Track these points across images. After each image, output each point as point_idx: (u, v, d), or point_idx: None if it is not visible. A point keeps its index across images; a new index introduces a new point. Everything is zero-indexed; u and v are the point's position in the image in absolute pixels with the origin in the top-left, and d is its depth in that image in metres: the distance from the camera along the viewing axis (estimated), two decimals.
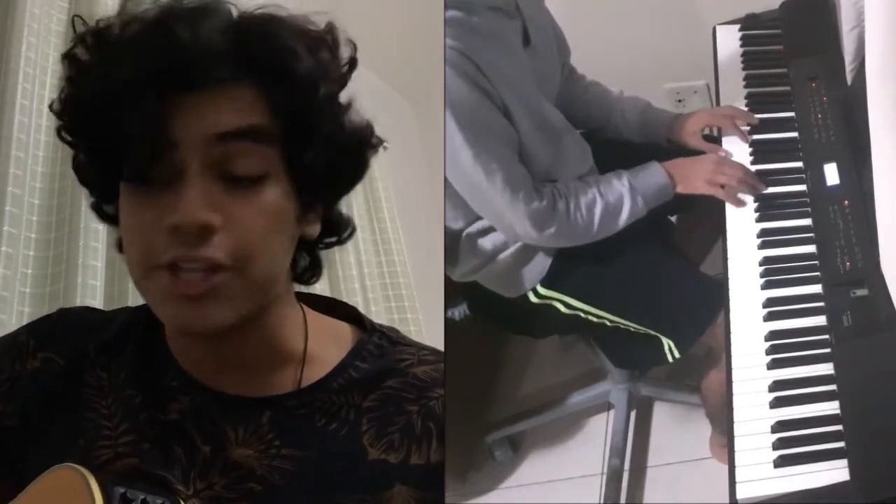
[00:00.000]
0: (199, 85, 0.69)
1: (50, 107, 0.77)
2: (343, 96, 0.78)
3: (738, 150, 1.28)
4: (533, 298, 1.34)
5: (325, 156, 0.75)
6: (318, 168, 0.74)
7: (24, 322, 1.25)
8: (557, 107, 1.34)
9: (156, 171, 0.69)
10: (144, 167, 0.69)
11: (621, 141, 1.43)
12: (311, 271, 0.84)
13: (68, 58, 0.74)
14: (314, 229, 0.79)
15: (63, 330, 0.84)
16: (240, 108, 0.70)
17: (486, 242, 1.32)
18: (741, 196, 1.20)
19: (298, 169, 0.74)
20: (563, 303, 1.33)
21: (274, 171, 0.72)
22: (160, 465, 0.74)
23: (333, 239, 0.85)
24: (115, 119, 0.69)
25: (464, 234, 1.32)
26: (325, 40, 0.76)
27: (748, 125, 1.29)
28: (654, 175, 1.26)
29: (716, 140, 1.33)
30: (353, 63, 0.78)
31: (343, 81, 0.77)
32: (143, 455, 0.75)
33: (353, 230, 0.86)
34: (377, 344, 0.83)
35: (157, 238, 0.69)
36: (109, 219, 0.81)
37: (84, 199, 1.31)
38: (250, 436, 0.76)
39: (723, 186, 1.21)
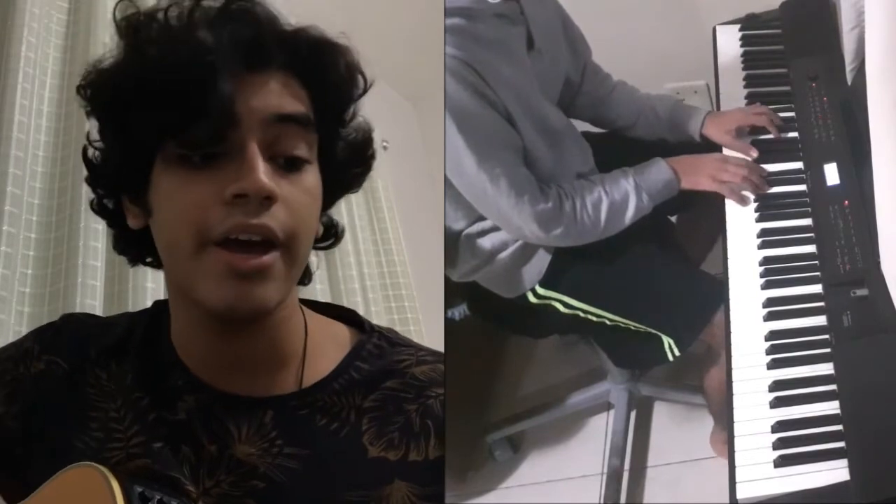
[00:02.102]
0: (264, 65, 0.73)
1: (83, 85, 0.77)
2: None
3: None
4: (532, 299, 1.34)
5: (345, 152, 0.81)
6: (341, 161, 0.80)
7: (24, 322, 1.26)
8: (585, 108, 1.35)
9: (219, 145, 0.71)
10: (212, 140, 0.70)
11: (652, 140, 1.42)
12: (304, 273, 0.85)
13: (132, 27, 0.75)
14: (320, 228, 0.83)
15: (67, 335, 0.85)
16: (293, 95, 0.75)
17: (485, 243, 1.32)
18: (744, 194, 1.20)
19: (326, 161, 0.78)
20: (562, 302, 1.33)
21: (313, 159, 0.77)
22: (171, 465, 0.75)
23: (329, 241, 0.87)
24: (189, 87, 0.69)
25: (462, 234, 1.32)
26: (350, 54, 0.80)
27: (775, 126, 1.29)
28: (658, 171, 1.26)
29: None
30: (366, 79, 0.82)
31: (362, 91, 0.82)
32: (154, 455, 0.76)
33: (343, 234, 0.89)
34: (376, 345, 0.84)
35: (214, 210, 0.70)
36: (111, 216, 0.82)
37: (84, 199, 1.31)
38: (253, 434, 0.77)
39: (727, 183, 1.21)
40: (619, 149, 1.41)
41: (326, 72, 0.78)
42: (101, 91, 0.76)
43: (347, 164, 0.83)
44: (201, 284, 0.72)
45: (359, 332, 0.86)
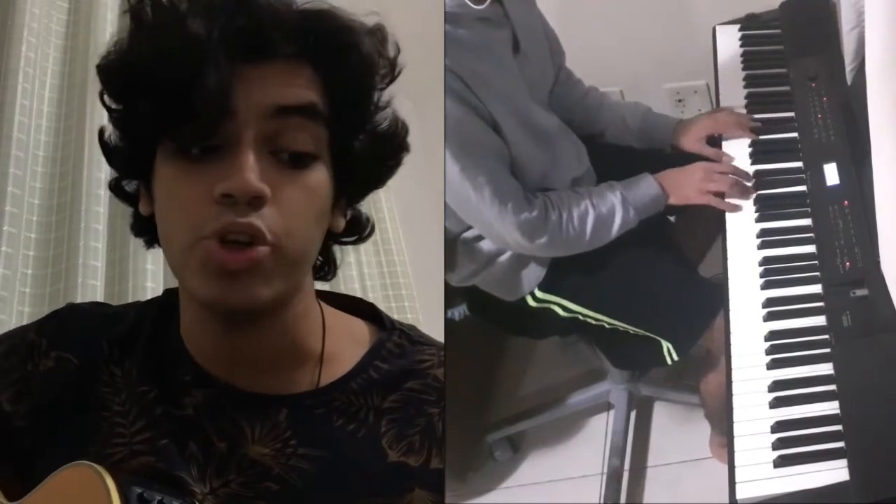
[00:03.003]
0: (266, 56, 0.71)
1: (99, 67, 0.75)
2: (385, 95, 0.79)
3: (739, 153, 1.28)
4: (531, 302, 1.34)
5: (367, 145, 0.77)
6: (360, 156, 0.76)
7: (24, 322, 1.25)
8: (555, 111, 1.33)
9: (212, 139, 0.69)
10: (204, 134, 0.69)
11: (622, 146, 1.42)
12: (327, 266, 0.84)
13: (135, 14, 0.73)
14: (340, 223, 0.80)
15: (74, 327, 0.83)
16: (299, 86, 0.72)
17: (483, 247, 1.31)
18: (735, 201, 1.20)
19: (342, 155, 0.75)
20: (561, 306, 1.33)
21: (321, 154, 0.73)
22: (177, 463, 0.73)
23: (354, 237, 0.85)
24: (179, 81, 0.68)
25: (460, 238, 1.32)
26: (376, 36, 0.77)
27: (750, 128, 1.29)
28: (646, 187, 1.26)
29: (716, 144, 1.33)
30: (396, 64, 0.79)
31: (390, 78, 0.78)
32: (159, 452, 0.74)
33: (373, 230, 0.86)
34: (397, 343, 0.82)
35: (206, 207, 0.69)
36: (129, 198, 0.80)
37: (84, 199, 1.32)
38: (267, 433, 0.75)
39: (716, 194, 1.21)
40: (614, 150, 1.41)
41: (342, 58, 0.74)
42: (110, 76, 0.74)
43: (373, 156, 0.78)
44: (190, 277, 0.71)
45: (378, 328, 0.84)
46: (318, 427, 0.76)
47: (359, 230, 0.85)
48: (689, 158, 1.32)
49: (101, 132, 0.79)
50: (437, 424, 0.77)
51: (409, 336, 0.83)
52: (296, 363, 0.78)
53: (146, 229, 0.81)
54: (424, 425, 0.77)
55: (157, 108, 0.69)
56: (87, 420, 0.77)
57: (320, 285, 0.86)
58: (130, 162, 0.77)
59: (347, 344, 0.81)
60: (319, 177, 0.74)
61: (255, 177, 0.68)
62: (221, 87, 0.68)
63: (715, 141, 1.33)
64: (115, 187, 0.81)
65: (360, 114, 0.77)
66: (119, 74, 0.73)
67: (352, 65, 0.74)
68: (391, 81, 0.78)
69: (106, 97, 0.75)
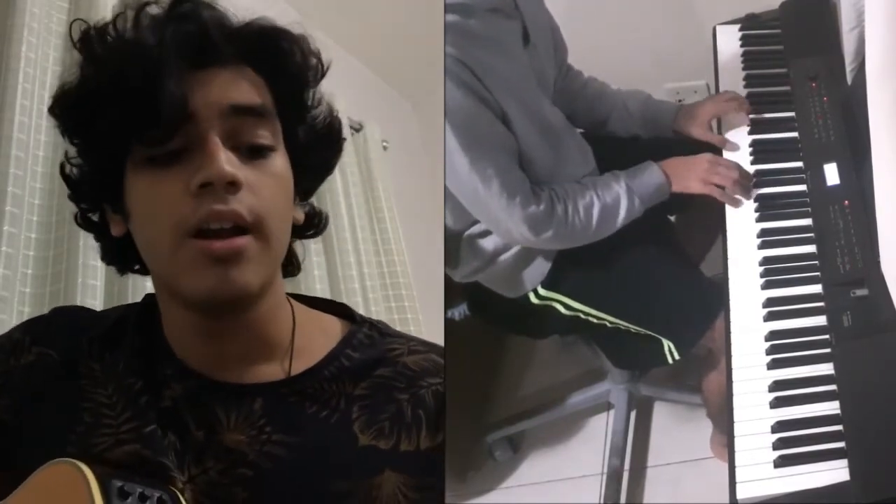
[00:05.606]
0: (213, 60, 0.75)
1: (52, 109, 0.79)
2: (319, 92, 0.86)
3: (740, 153, 1.28)
4: (533, 299, 1.34)
5: (311, 135, 0.83)
6: (305, 147, 0.82)
7: None
8: (558, 104, 1.34)
9: (177, 141, 0.73)
10: (168, 135, 0.72)
11: (625, 136, 1.42)
12: (291, 262, 0.87)
13: (84, 42, 0.77)
14: (300, 215, 0.84)
15: (58, 326, 0.86)
16: (249, 86, 0.77)
17: (487, 244, 1.32)
18: (736, 197, 1.21)
19: (293, 145, 0.80)
20: (563, 304, 1.33)
21: (277, 145, 0.78)
22: (161, 449, 0.76)
23: (312, 230, 0.89)
24: (140, 91, 0.71)
25: (464, 235, 1.32)
26: (304, 41, 0.82)
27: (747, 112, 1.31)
28: (650, 175, 1.26)
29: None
30: (323, 63, 0.84)
31: (319, 76, 0.84)
32: (145, 440, 0.76)
33: (327, 222, 0.91)
34: (367, 334, 0.85)
35: (185, 203, 0.72)
36: (96, 228, 0.84)
37: None
38: (242, 421, 0.78)
39: (718, 186, 1.22)
40: (616, 149, 1.41)
41: (279, 59, 0.79)
42: (66, 109, 0.78)
43: (314, 147, 0.84)
44: (182, 277, 0.74)
45: (349, 323, 0.87)
46: (292, 414, 0.78)
47: (316, 223, 0.89)
48: (693, 144, 1.32)
49: (62, 167, 0.83)
50: (406, 410, 0.79)
51: (379, 328, 0.87)
52: (270, 357, 0.81)
53: (117, 255, 0.85)
54: (394, 411, 0.79)
55: (123, 121, 0.73)
56: (67, 412, 0.79)
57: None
58: (100, 186, 0.80)
59: (318, 337, 0.84)
60: (280, 164, 0.78)
61: (227, 164, 0.72)
62: (179, 88, 0.72)
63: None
64: (82, 221, 0.85)
65: (299, 108, 0.82)
66: (76, 102, 0.77)
67: (288, 65, 0.80)
68: (321, 78, 0.83)
69: (67, 130, 0.79)
